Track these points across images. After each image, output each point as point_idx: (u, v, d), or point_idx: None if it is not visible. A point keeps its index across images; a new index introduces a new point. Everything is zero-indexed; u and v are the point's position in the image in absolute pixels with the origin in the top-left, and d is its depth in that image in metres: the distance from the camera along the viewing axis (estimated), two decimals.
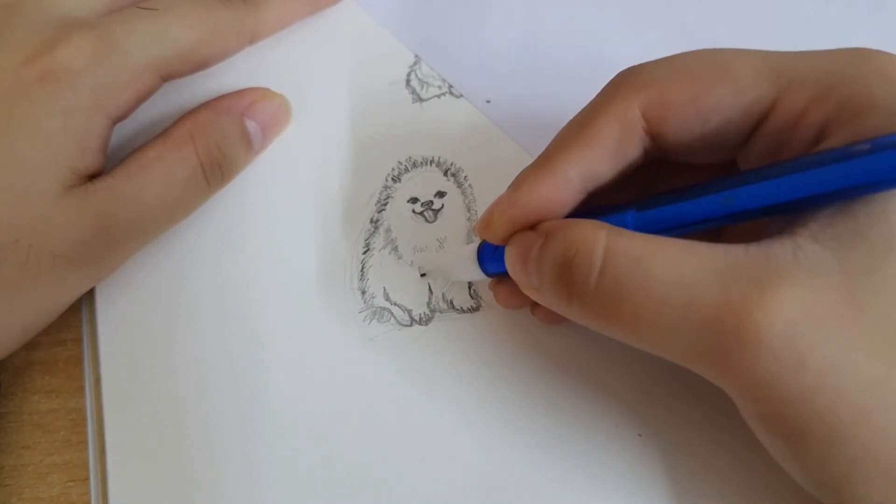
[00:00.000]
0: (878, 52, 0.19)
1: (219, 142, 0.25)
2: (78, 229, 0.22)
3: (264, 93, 0.27)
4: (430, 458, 0.24)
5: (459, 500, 0.23)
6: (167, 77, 0.24)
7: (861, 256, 0.17)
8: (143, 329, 0.25)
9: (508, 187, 0.21)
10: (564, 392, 0.24)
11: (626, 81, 0.20)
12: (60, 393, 0.25)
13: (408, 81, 0.28)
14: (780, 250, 0.17)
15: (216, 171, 0.25)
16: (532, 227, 0.21)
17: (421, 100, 0.28)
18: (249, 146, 0.26)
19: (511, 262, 0.21)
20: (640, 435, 0.24)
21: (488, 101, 0.28)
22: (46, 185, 0.22)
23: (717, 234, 0.23)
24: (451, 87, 0.28)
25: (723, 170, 0.22)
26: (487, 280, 0.24)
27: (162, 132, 0.25)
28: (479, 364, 0.25)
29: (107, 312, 0.25)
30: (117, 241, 0.23)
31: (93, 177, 0.23)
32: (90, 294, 0.25)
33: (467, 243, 0.26)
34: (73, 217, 0.22)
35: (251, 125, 0.26)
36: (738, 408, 0.19)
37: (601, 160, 0.20)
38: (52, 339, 0.25)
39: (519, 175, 0.21)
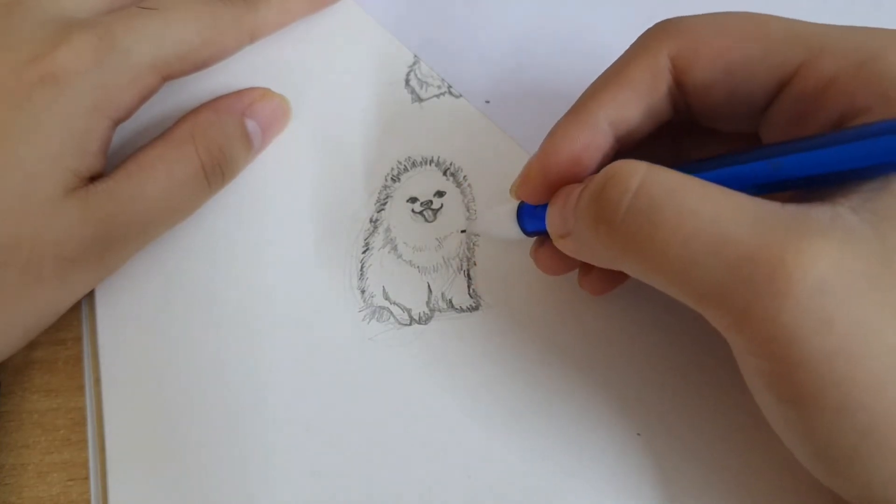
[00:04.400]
0: None
1: (220, 142, 0.25)
2: (80, 232, 0.22)
3: (263, 92, 0.27)
4: (429, 457, 0.24)
5: (459, 499, 0.23)
6: (168, 77, 0.24)
7: None
8: (142, 328, 0.25)
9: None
10: (563, 391, 0.24)
11: (659, 30, 0.21)
12: (60, 392, 0.25)
13: (407, 81, 0.28)
14: (818, 213, 0.17)
15: (217, 171, 0.25)
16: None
17: (420, 100, 0.28)
18: (249, 146, 0.26)
19: (551, 212, 0.21)
20: (638, 434, 0.24)
21: (488, 102, 0.28)
22: (48, 188, 0.22)
23: None
24: (450, 87, 0.28)
25: (747, 141, 0.22)
26: (525, 240, 0.24)
27: (162, 133, 0.25)
28: (478, 363, 0.25)
29: (106, 312, 0.25)
30: (118, 241, 0.23)
31: (94, 178, 0.23)
32: (90, 293, 0.25)
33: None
34: (75, 220, 0.22)
35: (251, 125, 0.26)
36: (742, 366, 0.19)
37: (630, 104, 0.20)
38: (51, 339, 0.26)
39: (552, 127, 0.21)
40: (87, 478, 0.24)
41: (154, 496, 0.23)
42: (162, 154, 0.24)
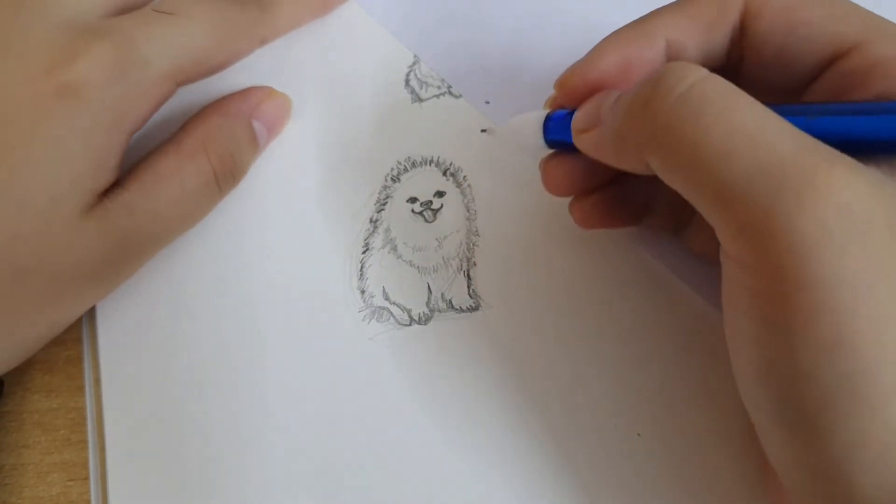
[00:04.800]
0: None
1: (231, 149, 0.25)
2: (98, 250, 0.22)
3: (268, 92, 0.27)
4: (428, 457, 0.24)
5: (458, 499, 0.23)
6: (182, 83, 0.24)
7: None
8: (142, 328, 0.25)
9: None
10: (563, 391, 0.24)
11: None
12: (60, 392, 0.25)
13: (407, 81, 0.28)
14: (854, 161, 0.17)
15: (228, 176, 0.25)
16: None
17: (420, 100, 0.28)
18: (256, 147, 0.26)
19: (584, 105, 0.21)
20: (638, 434, 0.24)
21: (487, 102, 0.28)
22: (68, 208, 0.21)
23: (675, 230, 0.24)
24: (450, 87, 0.28)
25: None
26: (538, 154, 0.24)
27: (172, 139, 0.24)
28: (478, 363, 0.25)
29: (107, 312, 0.25)
30: (134, 255, 0.24)
31: (107, 189, 0.23)
32: None
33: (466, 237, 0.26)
34: (93, 239, 0.22)
35: (257, 126, 0.26)
36: (729, 289, 0.18)
37: (692, 31, 0.21)
38: (52, 339, 0.26)
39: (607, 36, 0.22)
40: (86, 478, 0.24)
41: (154, 497, 0.23)
42: (177, 166, 0.24)
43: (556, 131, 0.23)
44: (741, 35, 0.21)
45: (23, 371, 0.25)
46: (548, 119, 0.23)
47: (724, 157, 0.17)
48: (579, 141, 0.21)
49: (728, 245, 0.17)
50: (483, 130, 0.26)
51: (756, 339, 0.17)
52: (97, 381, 0.25)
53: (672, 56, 0.21)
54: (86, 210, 0.22)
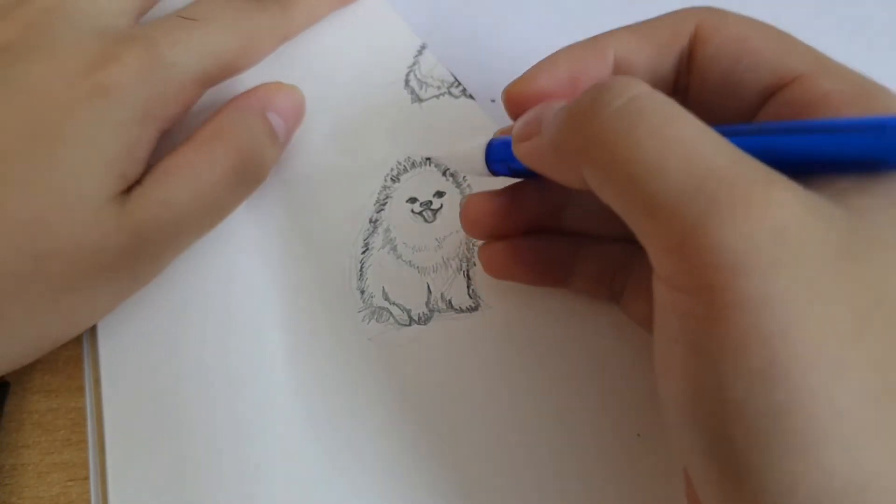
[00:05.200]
0: None
1: (248, 140, 0.25)
2: (115, 240, 0.22)
3: (278, 86, 0.27)
4: (428, 457, 0.24)
5: (457, 499, 0.23)
6: (209, 86, 0.25)
7: (868, 226, 0.16)
8: (141, 329, 0.25)
9: None
10: (562, 391, 0.24)
11: (696, 6, 0.21)
12: (60, 392, 0.25)
13: (406, 82, 0.28)
14: (795, 183, 0.16)
15: (247, 169, 0.25)
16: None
17: (420, 100, 0.28)
18: (276, 140, 0.26)
19: (527, 113, 0.21)
20: (638, 435, 0.24)
21: (493, 101, 0.28)
22: (90, 195, 0.22)
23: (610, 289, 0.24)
24: (449, 87, 0.28)
25: None
26: (484, 175, 0.24)
27: (189, 137, 0.25)
28: (478, 363, 0.25)
29: None
30: (150, 249, 0.23)
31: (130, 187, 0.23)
32: None
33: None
34: (112, 227, 0.22)
35: (274, 118, 0.26)
36: (660, 312, 0.17)
37: (641, 50, 0.21)
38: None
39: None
40: (87, 478, 0.24)
41: (154, 497, 0.23)
42: (190, 158, 0.24)
43: (500, 154, 0.22)
44: (689, 59, 0.21)
45: (23, 371, 0.25)
46: (489, 145, 0.23)
47: (657, 172, 0.16)
48: (518, 149, 0.21)
49: (658, 265, 0.16)
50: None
51: (684, 368, 0.16)
52: (97, 382, 0.25)
53: (620, 73, 0.21)
54: (111, 196, 0.22)
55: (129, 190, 0.23)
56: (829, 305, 0.15)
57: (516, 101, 0.22)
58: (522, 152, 0.20)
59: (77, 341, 0.26)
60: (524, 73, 0.22)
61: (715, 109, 0.22)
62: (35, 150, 0.21)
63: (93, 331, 0.25)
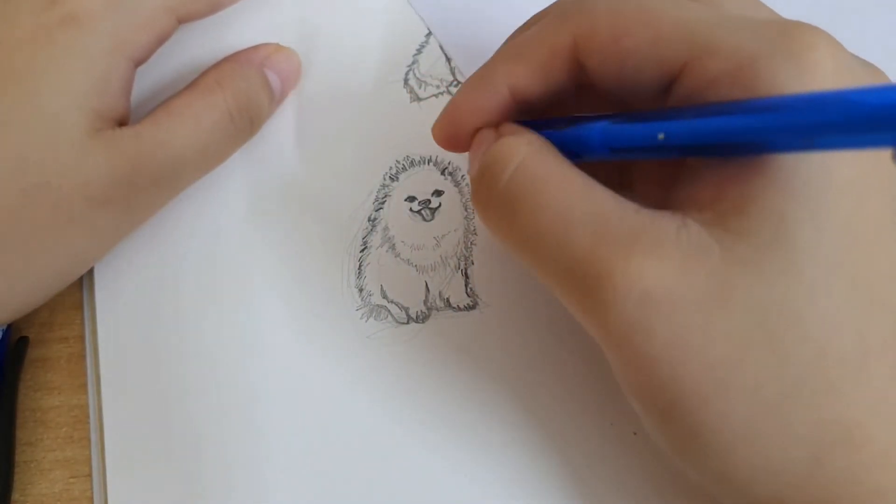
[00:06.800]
0: (807, 30, 0.17)
1: (245, 89, 0.25)
2: (107, 171, 0.22)
3: (277, 46, 0.28)
4: (427, 456, 0.24)
5: (456, 498, 0.23)
6: (183, 18, 0.25)
7: (746, 250, 0.17)
8: (141, 326, 0.25)
9: None
10: (560, 390, 0.24)
11: (562, 9, 0.21)
12: (63, 390, 0.25)
13: (406, 81, 0.28)
14: (666, 223, 0.17)
15: (244, 115, 0.25)
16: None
17: (419, 99, 0.28)
18: (272, 95, 0.27)
19: (471, 156, 0.22)
20: (635, 433, 0.24)
21: None
22: (71, 127, 0.22)
23: (629, 181, 0.24)
24: (448, 86, 0.28)
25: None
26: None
27: (189, 84, 0.25)
28: (476, 361, 0.25)
29: (106, 310, 0.25)
30: (146, 185, 0.23)
31: (121, 125, 0.23)
32: (91, 291, 0.26)
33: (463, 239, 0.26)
34: (101, 159, 0.22)
35: (271, 75, 0.27)
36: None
37: (528, 76, 0.21)
38: (54, 337, 0.26)
39: (463, 83, 0.23)
40: (89, 475, 0.24)
41: (155, 494, 0.24)
42: (189, 101, 0.24)
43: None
44: (582, 69, 0.20)
45: (25, 369, 0.25)
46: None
47: (544, 260, 0.19)
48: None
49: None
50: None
51: (625, 382, 0.19)
52: (98, 379, 0.25)
53: (519, 98, 0.21)
54: (93, 131, 0.22)
55: (123, 127, 0.23)
56: (705, 350, 0.17)
57: (442, 139, 0.23)
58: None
59: (79, 339, 0.26)
60: (441, 113, 0.23)
61: (628, 101, 0.21)
62: (6, 86, 0.22)
63: (94, 328, 0.25)
